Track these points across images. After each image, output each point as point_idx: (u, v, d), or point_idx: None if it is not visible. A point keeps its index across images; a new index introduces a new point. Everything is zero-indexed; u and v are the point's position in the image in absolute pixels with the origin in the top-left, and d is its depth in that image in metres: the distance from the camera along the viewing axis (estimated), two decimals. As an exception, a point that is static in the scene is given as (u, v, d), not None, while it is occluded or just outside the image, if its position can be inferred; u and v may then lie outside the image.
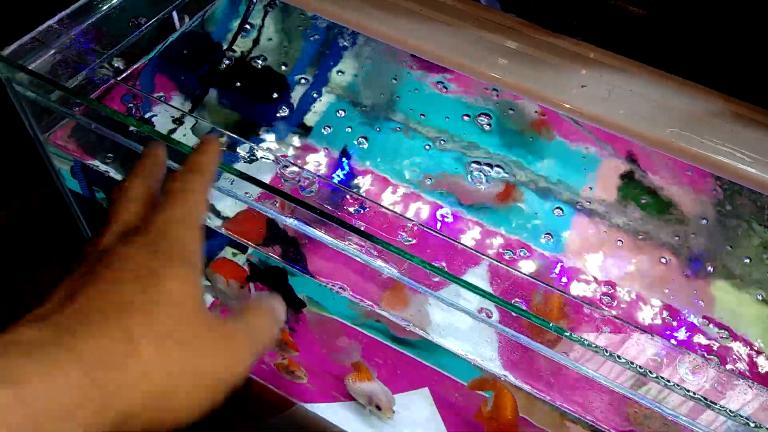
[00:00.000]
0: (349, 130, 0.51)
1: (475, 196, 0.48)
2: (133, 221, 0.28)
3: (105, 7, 0.46)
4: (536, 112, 0.51)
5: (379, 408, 0.51)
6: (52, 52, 0.42)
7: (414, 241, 0.37)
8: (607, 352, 0.33)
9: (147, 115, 0.42)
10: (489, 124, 0.50)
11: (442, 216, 0.47)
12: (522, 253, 0.46)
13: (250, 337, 0.28)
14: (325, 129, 0.51)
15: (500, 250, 0.46)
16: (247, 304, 0.30)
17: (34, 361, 0.20)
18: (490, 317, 0.36)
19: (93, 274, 0.25)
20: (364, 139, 0.50)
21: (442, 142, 0.50)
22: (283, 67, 0.54)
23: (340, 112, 0.52)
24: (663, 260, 0.45)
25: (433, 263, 0.35)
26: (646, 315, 0.43)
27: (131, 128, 0.40)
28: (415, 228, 0.37)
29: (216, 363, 0.25)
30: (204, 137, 0.34)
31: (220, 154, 0.33)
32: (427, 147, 0.50)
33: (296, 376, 0.55)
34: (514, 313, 0.34)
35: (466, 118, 0.51)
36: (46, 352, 0.21)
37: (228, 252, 0.56)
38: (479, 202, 0.48)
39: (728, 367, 0.41)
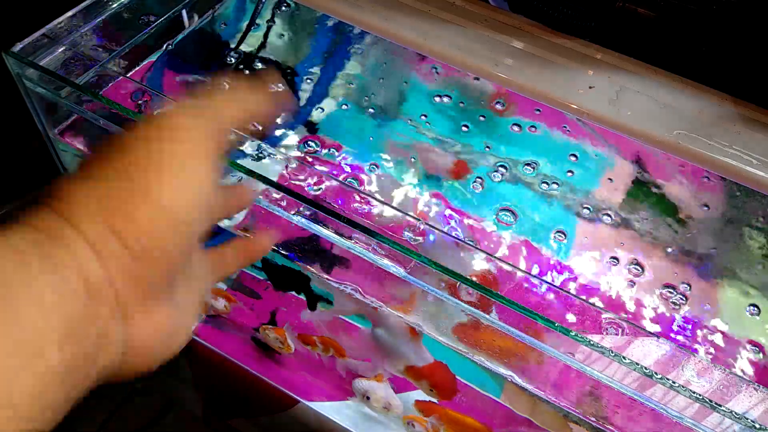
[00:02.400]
0: (356, 128, 0.51)
1: (479, 193, 0.48)
2: None
3: (115, 5, 0.47)
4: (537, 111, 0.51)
5: (368, 398, 0.52)
6: (63, 48, 0.43)
7: (421, 240, 0.37)
8: (612, 353, 0.33)
9: (156, 112, 0.42)
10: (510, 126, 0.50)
11: (451, 217, 0.47)
12: (527, 253, 0.46)
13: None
14: (332, 127, 0.51)
15: (507, 250, 0.46)
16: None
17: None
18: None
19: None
20: (371, 138, 0.50)
21: (446, 140, 0.50)
22: (292, 65, 0.54)
23: (347, 110, 0.52)
24: (668, 264, 0.45)
25: (440, 264, 0.35)
26: (651, 317, 0.43)
27: (140, 125, 0.40)
28: (422, 227, 0.37)
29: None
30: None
31: None
32: (435, 143, 0.50)
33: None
34: (518, 313, 0.34)
35: (481, 118, 0.51)
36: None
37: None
38: (482, 200, 0.48)
39: (734, 370, 0.41)
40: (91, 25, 0.45)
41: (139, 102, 0.42)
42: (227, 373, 0.59)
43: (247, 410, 0.64)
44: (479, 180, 0.48)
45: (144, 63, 0.49)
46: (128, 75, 0.45)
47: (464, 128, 0.51)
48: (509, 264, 0.36)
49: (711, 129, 0.44)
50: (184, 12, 0.51)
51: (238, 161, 0.39)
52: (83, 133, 0.47)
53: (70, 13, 0.45)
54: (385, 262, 0.37)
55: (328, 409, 0.57)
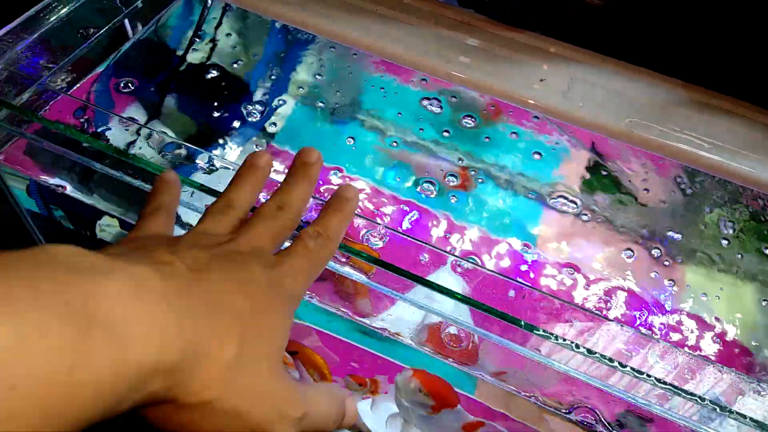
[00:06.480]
0: (313, 132, 0.50)
1: (441, 190, 0.48)
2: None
3: (52, 19, 0.45)
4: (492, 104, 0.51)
5: None
6: (-2, 68, 0.41)
7: (382, 245, 0.36)
8: (578, 347, 0.33)
9: (101, 129, 0.41)
10: (454, 120, 0.50)
11: (409, 213, 0.47)
12: (492, 248, 0.46)
13: (306, 408, 0.27)
14: (287, 133, 0.50)
15: (469, 245, 0.46)
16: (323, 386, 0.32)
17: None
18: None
19: (224, 266, 0.26)
20: (329, 141, 0.50)
21: (406, 140, 0.50)
22: (243, 72, 0.53)
23: (303, 115, 0.51)
24: (630, 249, 0.46)
25: (400, 267, 0.35)
26: (616, 304, 0.43)
27: (85, 144, 0.39)
28: (383, 230, 0.37)
29: (263, 412, 0.25)
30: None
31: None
32: (395, 143, 0.50)
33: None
34: (483, 312, 0.34)
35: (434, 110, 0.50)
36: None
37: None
38: (444, 196, 0.48)
39: (699, 352, 0.41)
40: (27, 42, 0.43)
41: (82, 119, 0.41)
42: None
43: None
44: (440, 181, 0.48)
45: (87, 78, 0.47)
46: (69, 92, 0.44)
47: (443, 133, 0.50)
48: (472, 262, 0.36)
49: (663, 115, 0.45)
50: (126, 22, 0.50)
51: (190, 176, 0.38)
52: (28, 155, 0.45)
53: (3, 31, 0.43)
54: (347, 270, 0.37)
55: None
